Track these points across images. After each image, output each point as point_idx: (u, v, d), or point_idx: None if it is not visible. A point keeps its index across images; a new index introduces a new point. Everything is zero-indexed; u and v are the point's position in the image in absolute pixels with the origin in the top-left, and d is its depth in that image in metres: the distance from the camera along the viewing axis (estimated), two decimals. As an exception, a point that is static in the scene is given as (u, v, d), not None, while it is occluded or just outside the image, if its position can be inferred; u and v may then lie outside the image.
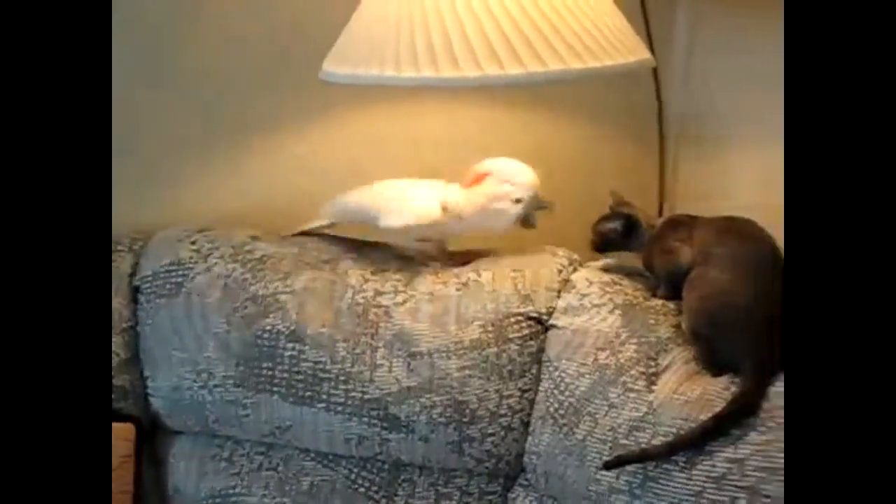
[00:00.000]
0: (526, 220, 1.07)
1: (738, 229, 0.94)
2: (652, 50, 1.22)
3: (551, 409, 0.99)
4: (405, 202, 1.07)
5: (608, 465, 0.90)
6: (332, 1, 1.09)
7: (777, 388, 0.87)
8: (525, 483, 1.04)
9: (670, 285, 0.99)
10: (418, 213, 1.06)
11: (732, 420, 0.86)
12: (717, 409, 0.87)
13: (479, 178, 1.06)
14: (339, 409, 1.05)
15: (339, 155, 1.26)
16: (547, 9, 0.93)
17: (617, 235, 1.03)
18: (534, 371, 1.03)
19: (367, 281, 1.09)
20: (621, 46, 0.96)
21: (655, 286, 1.02)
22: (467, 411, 1.02)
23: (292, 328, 1.07)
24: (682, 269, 0.96)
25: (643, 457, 0.89)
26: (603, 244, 1.05)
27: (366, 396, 1.04)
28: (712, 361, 0.92)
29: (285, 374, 1.06)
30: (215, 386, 1.09)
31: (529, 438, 1.02)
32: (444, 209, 1.06)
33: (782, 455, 0.83)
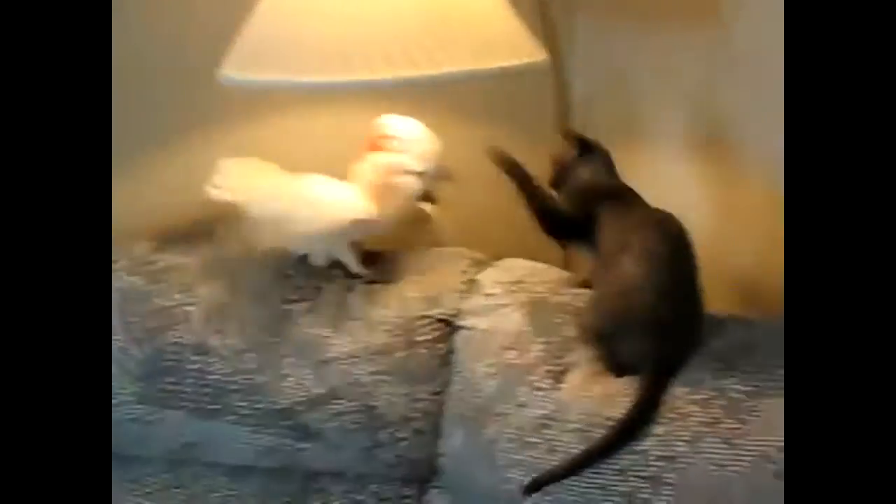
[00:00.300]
0: (427, 195, 1.00)
1: (657, 221, 0.93)
2: (552, 51, 1.23)
3: (461, 411, 0.99)
4: (331, 202, 0.98)
5: (527, 490, 0.89)
6: (230, 3, 1.07)
7: (675, 381, 0.89)
8: (439, 486, 1.04)
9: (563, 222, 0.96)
10: (358, 209, 0.96)
11: (639, 422, 0.87)
12: (624, 406, 0.88)
13: (378, 143, 0.97)
14: (248, 421, 1.03)
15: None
16: (439, 11, 0.93)
17: (573, 160, 0.97)
18: (443, 373, 1.03)
19: (273, 289, 1.07)
20: (514, 47, 0.97)
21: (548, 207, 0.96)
22: (378, 416, 1.02)
23: (196, 341, 1.04)
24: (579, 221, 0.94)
25: (560, 474, 0.88)
26: (559, 174, 0.97)
27: (274, 407, 1.03)
28: (614, 363, 0.93)
29: (191, 389, 1.04)
30: (118, 404, 1.05)
31: (441, 441, 1.02)
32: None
33: (681, 443, 0.85)
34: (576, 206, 0.96)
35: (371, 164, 0.98)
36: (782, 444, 0.81)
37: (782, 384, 0.85)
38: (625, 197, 0.97)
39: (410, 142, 0.97)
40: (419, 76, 0.90)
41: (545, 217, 0.97)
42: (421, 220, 1.05)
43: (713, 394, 0.87)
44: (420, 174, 0.98)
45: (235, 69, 0.97)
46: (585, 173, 0.97)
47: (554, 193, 1.00)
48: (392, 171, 0.97)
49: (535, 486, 0.88)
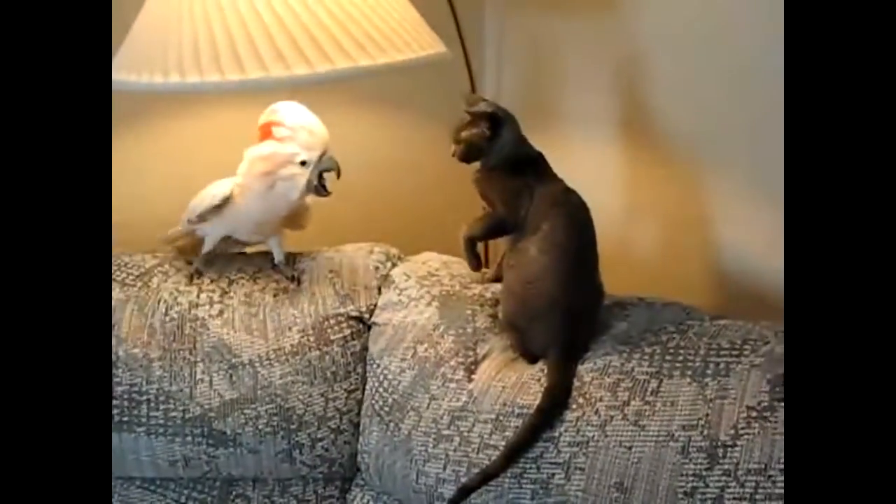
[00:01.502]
0: (318, 187, 0.96)
1: (570, 206, 0.92)
2: (462, 40, 1.24)
3: (377, 407, 0.99)
4: (202, 193, 0.98)
5: (454, 501, 0.87)
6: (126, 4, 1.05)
7: (583, 366, 0.90)
8: (361, 483, 1.03)
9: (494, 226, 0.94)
10: (199, 198, 0.96)
11: (554, 408, 0.87)
12: (536, 393, 0.89)
13: (267, 130, 0.93)
14: (161, 430, 1.01)
15: (153, 164, 1.21)
16: (333, 7, 0.92)
17: (485, 140, 0.92)
18: (359, 371, 1.02)
19: (180, 294, 1.05)
20: (412, 41, 0.96)
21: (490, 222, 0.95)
22: (294, 418, 1.01)
23: (103, 351, 1.02)
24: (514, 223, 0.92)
25: (485, 478, 0.87)
26: (470, 153, 0.94)
27: (187, 415, 1.01)
28: (525, 350, 0.94)
29: (99, 401, 1.01)
30: (23, 421, 1.02)
31: (360, 438, 1.01)
32: (234, 193, 0.96)
33: (590, 427, 0.86)
34: (505, 185, 0.94)
35: (258, 154, 0.96)
36: (684, 421, 0.83)
37: (683, 363, 0.87)
38: (537, 170, 0.95)
39: (297, 130, 0.94)
40: (312, 74, 0.89)
41: (494, 233, 0.97)
42: (301, 213, 1.03)
43: (620, 377, 0.88)
44: (306, 164, 0.95)
45: (121, 72, 0.95)
46: (504, 149, 0.94)
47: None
48: (276, 161, 0.95)
49: (460, 497, 0.87)
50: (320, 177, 0.96)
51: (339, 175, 0.98)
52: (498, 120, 0.94)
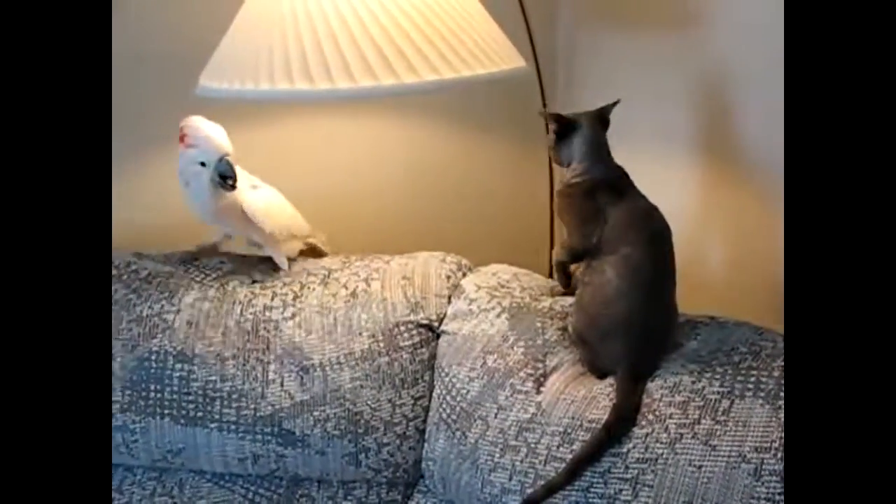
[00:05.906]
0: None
1: (650, 229, 0.93)
2: (535, 55, 1.25)
3: (444, 415, 1.00)
4: None
5: None
6: (213, 14, 1.08)
7: (653, 384, 0.90)
8: (424, 489, 1.05)
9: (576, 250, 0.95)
10: None
11: (618, 429, 0.88)
12: (605, 408, 0.89)
13: (182, 138, 1.07)
14: (232, 427, 1.03)
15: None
16: (420, 20, 0.93)
17: (552, 142, 0.95)
18: (426, 378, 1.04)
19: (255, 296, 1.07)
20: (494, 55, 0.97)
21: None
22: (362, 422, 1.02)
23: (180, 348, 1.05)
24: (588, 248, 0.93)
25: (549, 491, 0.88)
26: (563, 133, 0.95)
27: (258, 413, 1.03)
28: (594, 365, 0.94)
29: (175, 396, 1.04)
30: (101, 412, 1.05)
31: (425, 445, 1.03)
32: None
33: (660, 445, 0.86)
34: (579, 208, 0.95)
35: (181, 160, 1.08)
36: (757, 443, 0.83)
37: (755, 384, 0.87)
38: (616, 188, 0.95)
39: (198, 137, 1.06)
40: (399, 86, 0.91)
41: (573, 261, 1.00)
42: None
43: (691, 395, 0.88)
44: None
45: (212, 79, 0.98)
46: (572, 157, 0.95)
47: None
48: (183, 161, 1.07)
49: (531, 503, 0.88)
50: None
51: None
52: (568, 123, 0.95)
